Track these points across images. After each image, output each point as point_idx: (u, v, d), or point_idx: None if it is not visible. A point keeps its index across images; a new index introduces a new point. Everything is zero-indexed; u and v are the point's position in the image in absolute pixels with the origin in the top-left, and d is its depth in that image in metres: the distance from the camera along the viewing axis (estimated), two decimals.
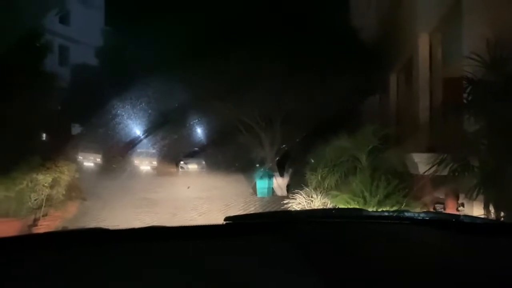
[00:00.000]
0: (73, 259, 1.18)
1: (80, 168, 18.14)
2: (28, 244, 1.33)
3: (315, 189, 8.42)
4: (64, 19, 31.13)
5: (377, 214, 2.51)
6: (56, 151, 12.09)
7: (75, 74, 28.17)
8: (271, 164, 14.80)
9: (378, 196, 6.40)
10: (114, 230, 1.42)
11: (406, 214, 2.04)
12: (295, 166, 15.08)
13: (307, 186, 10.43)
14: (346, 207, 6.44)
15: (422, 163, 5.98)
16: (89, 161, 23.25)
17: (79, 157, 22.49)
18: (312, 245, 1.36)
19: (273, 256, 1.24)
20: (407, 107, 10.38)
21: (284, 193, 14.52)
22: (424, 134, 8.35)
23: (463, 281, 1.10)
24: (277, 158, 14.88)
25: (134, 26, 19.30)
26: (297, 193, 9.00)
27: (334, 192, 7.31)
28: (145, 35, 17.02)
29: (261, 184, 14.22)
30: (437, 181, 5.71)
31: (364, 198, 6.53)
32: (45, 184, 8.41)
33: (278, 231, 1.48)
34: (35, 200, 8.34)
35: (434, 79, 9.01)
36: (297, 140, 14.11)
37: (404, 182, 6.85)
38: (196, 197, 14.07)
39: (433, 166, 5.13)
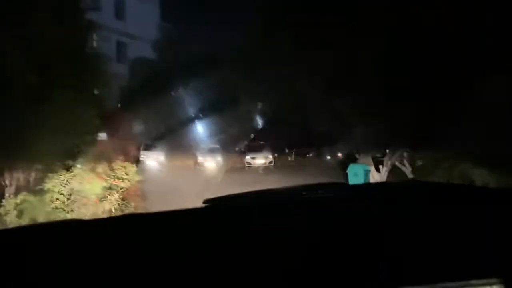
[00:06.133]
0: (45, 252, 1.10)
1: (142, 169, 16.62)
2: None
3: None
4: (119, 15, 30.03)
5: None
6: (116, 151, 10.35)
7: (133, 70, 26.92)
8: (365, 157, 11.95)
9: None
10: (90, 220, 1.43)
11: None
12: (394, 158, 12.19)
13: None
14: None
15: None
16: (152, 160, 21.62)
17: (141, 155, 21.11)
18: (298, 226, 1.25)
19: (253, 238, 1.16)
20: None
21: None
22: None
23: None
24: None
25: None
26: None
27: None
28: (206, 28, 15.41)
29: (355, 181, 11.51)
30: None
31: None
32: (90, 197, 6.23)
33: (261, 213, 1.39)
34: None
35: None
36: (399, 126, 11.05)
37: None
38: None
39: None
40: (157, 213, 1.42)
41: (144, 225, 1.31)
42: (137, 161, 15.74)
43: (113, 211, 6.44)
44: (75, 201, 6.01)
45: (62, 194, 5.75)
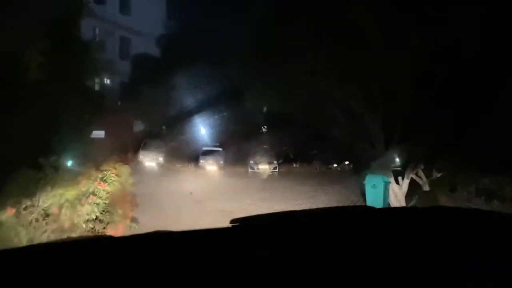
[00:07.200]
0: (77, 266, 1.12)
1: (138, 170, 15.53)
2: (34, 254, 1.25)
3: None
4: (125, 9, 28.93)
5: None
6: (111, 150, 9.25)
7: (136, 66, 25.86)
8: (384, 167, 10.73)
9: None
10: (119, 237, 1.43)
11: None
12: (415, 170, 11.01)
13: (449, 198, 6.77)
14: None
15: None
16: (150, 160, 20.47)
17: (140, 155, 20.02)
18: (315, 244, 1.33)
19: (279, 259, 1.20)
20: None
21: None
22: None
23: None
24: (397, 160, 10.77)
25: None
26: None
27: None
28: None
29: (374, 194, 10.33)
30: None
31: None
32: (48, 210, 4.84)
33: (285, 232, 1.46)
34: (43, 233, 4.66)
35: None
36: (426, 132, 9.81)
37: None
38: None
39: None
40: (186, 232, 1.41)
41: (173, 242, 1.36)
42: (134, 162, 14.61)
43: (83, 224, 5.10)
44: (34, 210, 4.73)
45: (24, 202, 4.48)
